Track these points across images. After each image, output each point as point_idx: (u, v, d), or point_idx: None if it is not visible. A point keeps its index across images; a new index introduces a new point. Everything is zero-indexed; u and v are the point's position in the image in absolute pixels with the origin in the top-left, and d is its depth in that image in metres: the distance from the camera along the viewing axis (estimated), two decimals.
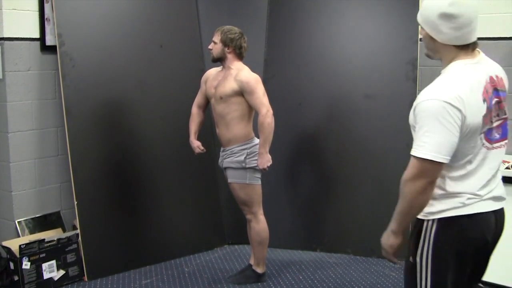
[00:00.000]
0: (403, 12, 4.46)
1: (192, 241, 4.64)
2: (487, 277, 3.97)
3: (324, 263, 4.39)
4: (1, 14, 3.98)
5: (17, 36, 4.06)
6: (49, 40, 4.18)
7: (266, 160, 3.79)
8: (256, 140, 3.86)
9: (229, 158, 3.89)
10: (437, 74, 4.99)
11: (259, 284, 4.05)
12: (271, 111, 3.77)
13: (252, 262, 4.10)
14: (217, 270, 4.31)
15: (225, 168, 3.94)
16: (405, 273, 2.27)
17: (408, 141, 4.59)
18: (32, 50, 4.14)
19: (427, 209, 2.14)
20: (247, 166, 3.84)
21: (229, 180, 3.93)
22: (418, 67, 4.39)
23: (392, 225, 2.17)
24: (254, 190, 3.91)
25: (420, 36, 4.43)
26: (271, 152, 3.85)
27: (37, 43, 4.16)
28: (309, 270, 4.28)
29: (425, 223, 2.16)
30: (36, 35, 4.15)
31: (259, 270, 4.07)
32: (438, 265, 2.15)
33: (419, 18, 2.18)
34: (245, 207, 3.96)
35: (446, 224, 2.13)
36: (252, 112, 3.87)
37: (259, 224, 3.96)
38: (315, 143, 4.65)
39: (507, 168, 4.05)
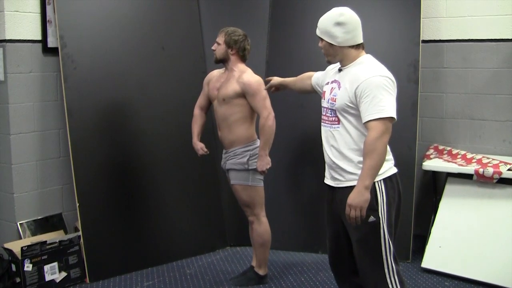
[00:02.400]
0: (404, 14, 4.46)
1: (194, 243, 4.64)
2: (484, 277, 4.00)
3: (326, 265, 4.38)
4: (3, 16, 3.99)
5: (19, 38, 4.07)
6: (51, 42, 4.18)
7: (265, 163, 3.79)
8: (259, 142, 3.86)
9: (232, 160, 3.89)
10: (439, 75, 4.98)
11: (261, 286, 4.04)
12: (272, 114, 3.77)
13: (254, 264, 4.09)
14: (219, 272, 4.31)
15: (228, 169, 3.94)
16: (365, 235, 2.74)
17: (409, 143, 4.61)
18: (34, 52, 4.15)
19: None
20: (250, 167, 3.83)
21: (232, 182, 3.93)
22: (419, 68, 4.39)
23: (366, 181, 2.64)
24: (257, 192, 3.90)
25: (421, 38, 4.45)
26: (273, 153, 3.85)
27: (39, 45, 4.17)
28: (311, 272, 4.28)
29: (376, 185, 2.74)
30: (38, 37, 4.16)
31: (261, 272, 4.06)
32: (390, 213, 2.76)
33: (318, 32, 2.84)
34: (247, 208, 3.96)
35: (389, 181, 2.78)
36: (254, 114, 3.87)
37: (261, 226, 3.96)
38: (317, 144, 4.60)
39: (509, 169, 4.05)
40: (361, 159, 2.73)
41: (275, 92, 3.61)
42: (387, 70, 2.77)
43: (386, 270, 2.75)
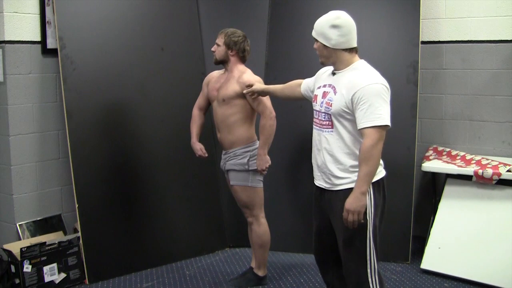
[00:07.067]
0: (404, 16, 4.46)
1: (193, 244, 4.64)
2: (483, 278, 4.00)
3: None
4: (2, 17, 3.99)
5: (18, 39, 4.07)
6: (50, 43, 4.19)
7: (264, 161, 3.79)
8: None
9: (232, 161, 3.88)
10: (438, 76, 4.98)
11: (260, 287, 4.04)
12: (273, 113, 3.77)
13: (253, 265, 4.09)
14: (218, 273, 4.31)
15: (228, 170, 3.93)
16: (352, 236, 2.83)
17: (409, 145, 4.60)
18: (33, 53, 4.15)
19: None
20: (250, 168, 3.83)
21: (231, 182, 3.93)
22: (419, 70, 4.39)
23: (362, 187, 2.74)
24: (256, 193, 3.90)
25: (420, 40, 4.45)
26: (272, 154, 3.85)
27: (38, 46, 4.17)
28: (310, 273, 4.28)
29: None
30: (37, 38, 4.16)
31: (260, 273, 4.06)
32: (376, 216, 2.85)
33: (314, 33, 2.91)
34: (246, 209, 3.96)
35: (377, 185, 2.86)
36: (254, 114, 3.87)
37: (261, 227, 3.96)
38: None
39: (508, 171, 4.05)
40: (353, 163, 2.83)
41: (256, 98, 3.72)
42: (382, 76, 2.83)
43: (368, 270, 2.86)
